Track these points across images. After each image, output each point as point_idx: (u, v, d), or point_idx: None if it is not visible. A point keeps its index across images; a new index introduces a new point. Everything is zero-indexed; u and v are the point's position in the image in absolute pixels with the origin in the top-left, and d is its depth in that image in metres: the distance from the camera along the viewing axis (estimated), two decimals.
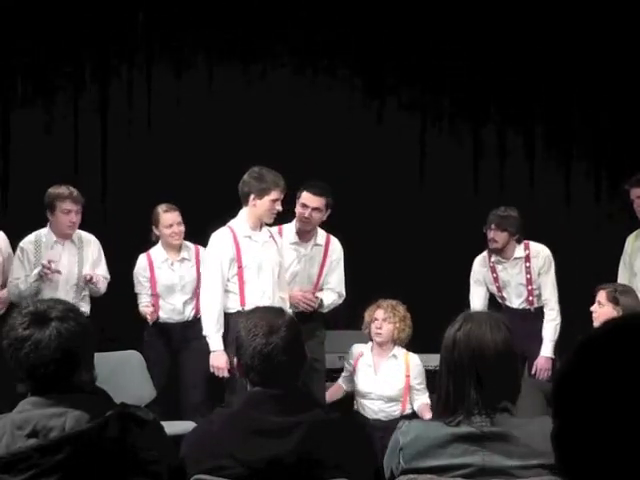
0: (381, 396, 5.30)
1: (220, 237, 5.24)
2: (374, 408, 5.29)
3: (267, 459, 2.51)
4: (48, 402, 2.36)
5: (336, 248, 5.72)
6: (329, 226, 5.78)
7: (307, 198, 5.51)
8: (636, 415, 1.07)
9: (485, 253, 5.88)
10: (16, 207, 6.81)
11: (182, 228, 5.82)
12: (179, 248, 5.87)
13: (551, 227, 7.10)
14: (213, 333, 5.13)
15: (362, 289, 5.74)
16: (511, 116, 7.33)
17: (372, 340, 5.40)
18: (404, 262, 6.79)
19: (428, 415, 5.15)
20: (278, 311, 2.85)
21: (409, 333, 5.36)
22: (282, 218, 5.52)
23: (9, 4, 6.69)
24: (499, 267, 5.81)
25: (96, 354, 2.53)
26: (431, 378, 5.27)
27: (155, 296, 5.86)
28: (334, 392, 5.55)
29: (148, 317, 5.76)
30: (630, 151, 6.95)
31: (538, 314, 5.74)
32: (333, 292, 5.70)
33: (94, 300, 5.75)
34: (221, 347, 5.09)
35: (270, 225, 5.37)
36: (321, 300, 5.61)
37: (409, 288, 6.00)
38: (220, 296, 5.14)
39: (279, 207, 5.20)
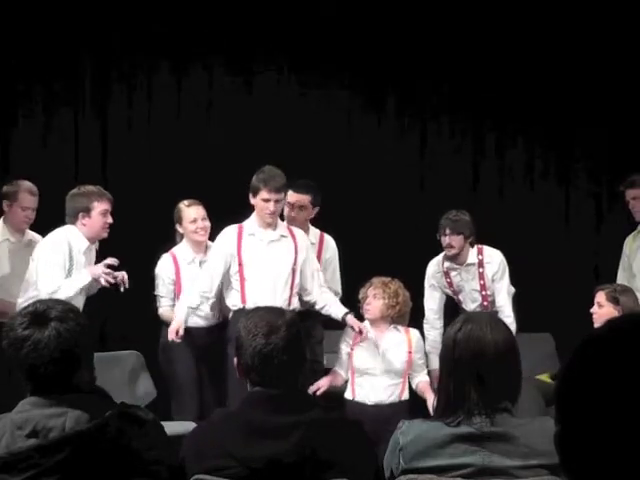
0: (385, 370, 5.12)
1: (224, 233, 5.30)
2: (376, 385, 5.10)
3: (267, 459, 2.51)
4: (48, 402, 2.36)
5: (329, 246, 5.69)
6: (329, 227, 5.79)
7: (290, 196, 5.48)
8: (638, 415, 1.07)
9: (439, 258, 5.79)
10: None
11: (207, 223, 5.47)
12: (205, 246, 5.52)
13: (551, 229, 7.12)
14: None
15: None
16: (511, 120, 7.33)
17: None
18: (404, 264, 6.77)
19: (429, 395, 4.94)
20: (278, 311, 2.85)
21: (402, 310, 5.18)
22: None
23: (9, 5, 6.69)
24: (453, 273, 5.73)
25: (96, 354, 2.52)
26: None
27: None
28: (334, 380, 5.25)
29: (176, 338, 5.22)
30: (631, 151, 6.95)
31: None
32: (328, 290, 5.66)
33: (97, 300, 5.66)
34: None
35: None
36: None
37: (408, 288, 5.99)
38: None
39: (271, 207, 5.14)
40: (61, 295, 4.82)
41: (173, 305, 5.54)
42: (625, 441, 1.07)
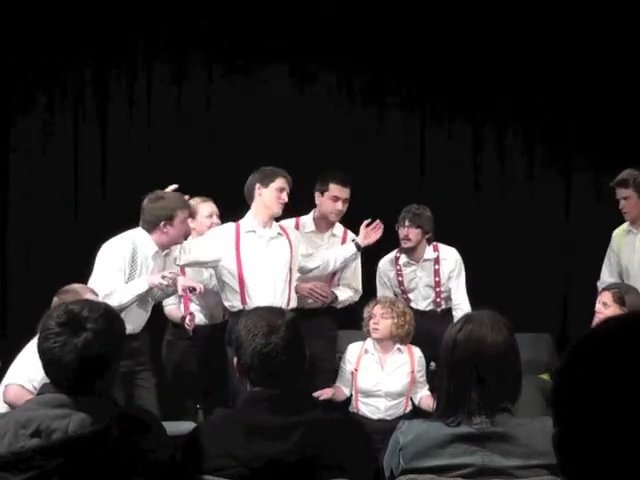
0: (389, 392, 5.16)
1: (221, 229, 5.25)
2: (380, 406, 5.16)
3: (267, 459, 2.51)
4: (54, 402, 2.37)
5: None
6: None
7: (339, 190, 5.49)
8: (636, 415, 1.07)
9: (392, 255, 5.78)
10: (16, 215, 6.85)
11: (219, 222, 5.42)
12: None
13: (551, 229, 7.12)
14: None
15: (364, 289, 5.73)
16: (511, 116, 7.33)
17: (370, 337, 5.25)
18: None
19: (433, 404, 4.99)
20: (278, 311, 2.85)
21: (409, 330, 5.21)
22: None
23: (8, 10, 6.70)
24: (408, 269, 5.70)
25: None
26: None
27: (185, 297, 5.40)
28: (336, 394, 5.28)
29: (187, 322, 5.22)
30: (630, 148, 6.94)
31: (445, 315, 5.56)
32: (349, 287, 5.63)
33: None
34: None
35: (277, 220, 5.34)
36: (335, 295, 5.55)
37: None
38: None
39: (285, 197, 5.17)
40: (114, 300, 4.63)
41: (179, 303, 5.52)
42: (623, 441, 1.07)
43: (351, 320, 5.56)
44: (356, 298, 5.65)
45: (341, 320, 5.86)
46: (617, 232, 5.78)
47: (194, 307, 5.50)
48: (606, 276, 5.76)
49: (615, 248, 5.75)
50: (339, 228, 5.67)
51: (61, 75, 6.92)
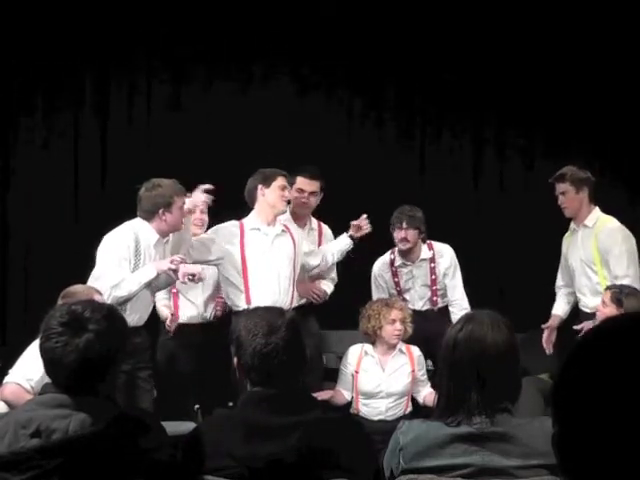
0: (390, 393, 5.16)
1: (225, 227, 5.26)
2: (381, 408, 5.16)
3: (267, 459, 2.51)
4: (54, 402, 2.37)
5: (328, 234, 5.76)
6: (329, 226, 5.80)
7: (303, 183, 5.56)
8: (636, 415, 1.07)
9: (386, 258, 5.81)
10: (16, 215, 6.85)
11: (205, 218, 5.47)
12: None
13: (551, 227, 7.11)
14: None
15: (363, 290, 5.73)
16: (512, 120, 7.33)
17: (374, 341, 5.23)
18: None
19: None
20: (278, 311, 2.85)
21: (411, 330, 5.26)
22: None
23: (9, 6, 6.70)
24: (404, 270, 5.74)
25: None
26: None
27: (174, 293, 5.49)
28: (336, 398, 5.26)
29: (168, 323, 5.34)
30: (629, 152, 6.95)
31: (442, 313, 5.61)
32: (329, 279, 5.73)
33: None
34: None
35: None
36: (325, 291, 5.66)
37: None
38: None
39: (288, 195, 5.23)
40: (124, 289, 4.75)
41: (169, 299, 5.53)
42: (623, 441, 1.07)
43: (352, 321, 5.56)
44: (333, 287, 5.75)
45: (342, 320, 5.87)
46: (566, 235, 5.76)
47: (184, 304, 5.53)
48: (559, 280, 5.79)
49: (564, 251, 5.72)
50: (314, 221, 5.77)
51: (61, 75, 6.91)
